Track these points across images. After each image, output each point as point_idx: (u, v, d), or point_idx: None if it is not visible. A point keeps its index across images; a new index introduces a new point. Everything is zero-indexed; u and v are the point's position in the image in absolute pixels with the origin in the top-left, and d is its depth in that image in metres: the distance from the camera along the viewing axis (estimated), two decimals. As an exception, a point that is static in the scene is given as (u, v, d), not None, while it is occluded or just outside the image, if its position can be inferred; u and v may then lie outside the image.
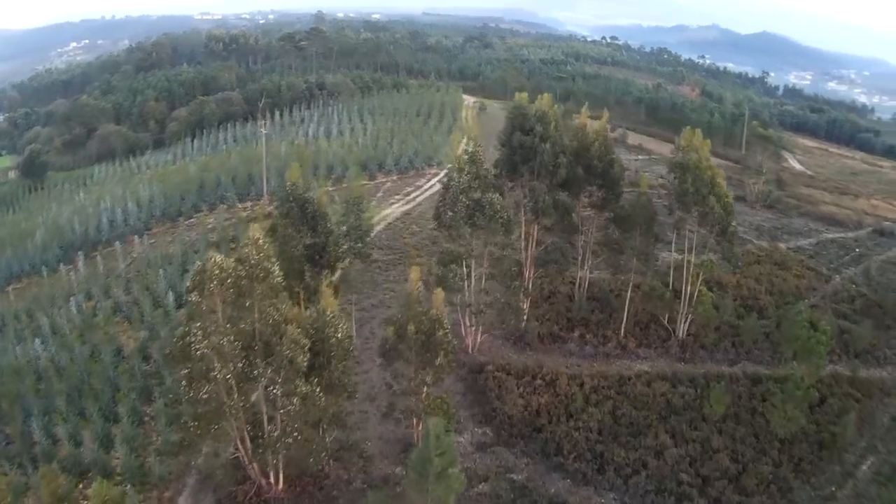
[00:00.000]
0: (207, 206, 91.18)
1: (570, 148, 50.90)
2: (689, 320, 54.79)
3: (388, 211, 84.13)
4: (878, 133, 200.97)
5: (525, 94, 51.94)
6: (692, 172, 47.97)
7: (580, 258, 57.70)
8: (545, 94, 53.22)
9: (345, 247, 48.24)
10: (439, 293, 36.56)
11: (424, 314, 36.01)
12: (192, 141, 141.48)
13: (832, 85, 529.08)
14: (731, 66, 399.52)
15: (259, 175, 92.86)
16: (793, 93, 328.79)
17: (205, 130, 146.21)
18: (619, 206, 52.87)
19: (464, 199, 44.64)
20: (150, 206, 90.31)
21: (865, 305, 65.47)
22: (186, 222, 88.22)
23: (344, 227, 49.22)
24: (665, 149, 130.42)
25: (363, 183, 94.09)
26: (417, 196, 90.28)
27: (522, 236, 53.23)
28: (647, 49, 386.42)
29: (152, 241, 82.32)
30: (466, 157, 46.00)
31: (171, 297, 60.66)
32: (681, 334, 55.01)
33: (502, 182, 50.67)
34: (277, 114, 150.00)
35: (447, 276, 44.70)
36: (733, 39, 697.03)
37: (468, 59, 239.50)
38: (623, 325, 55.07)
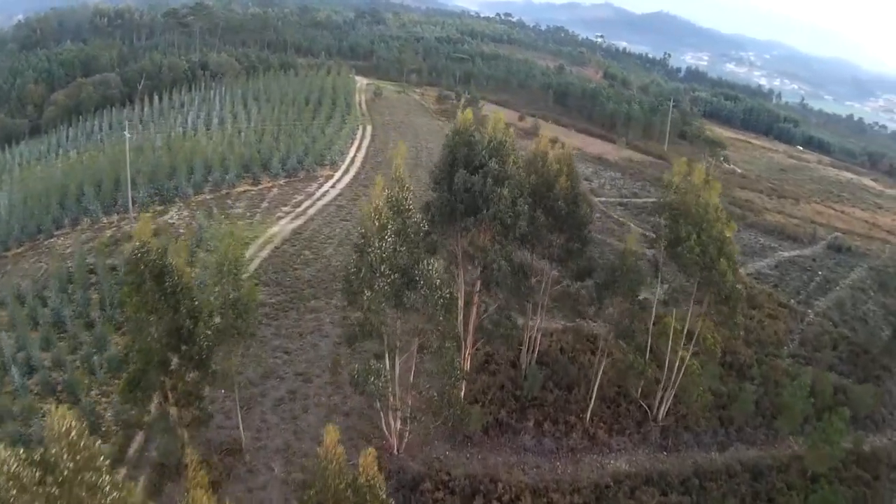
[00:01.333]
0: (70, 220, 74.66)
1: (527, 186, 37.10)
2: (670, 399, 43.05)
3: (274, 230, 68.90)
4: (796, 123, 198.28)
5: (469, 114, 37.86)
6: (693, 223, 35.60)
7: (527, 312, 44.95)
8: (499, 115, 39.51)
9: (219, 321, 33.90)
10: (370, 455, 22.97)
11: (349, 486, 22.55)
12: (69, 129, 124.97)
13: (730, 67, 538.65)
14: (627, 46, 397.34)
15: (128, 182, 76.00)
16: (696, 75, 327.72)
17: (81, 116, 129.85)
18: (587, 258, 40.13)
19: (387, 271, 30.79)
20: (9, 220, 75.64)
21: (852, 353, 56.75)
22: (46, 242, 71.87)
23: (218, 300, 34.55)
24: (595, 147, 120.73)
25: (245, 189, 79.12)
26: (309, 208, 75.40)
27: (461, 302, 39.58)
28: (543, 27, 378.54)
29: (6, 268, 67.27)
30: (388, 206, 31.75)
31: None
32: (660, 415, 43.31)
33: (435, 237, 36.81)
34: (157, 98, 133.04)
35: (366, 380, 31.13)
36: (627, 18, 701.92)
37: (360, 36, 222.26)
38: (590, 407, 42.75)
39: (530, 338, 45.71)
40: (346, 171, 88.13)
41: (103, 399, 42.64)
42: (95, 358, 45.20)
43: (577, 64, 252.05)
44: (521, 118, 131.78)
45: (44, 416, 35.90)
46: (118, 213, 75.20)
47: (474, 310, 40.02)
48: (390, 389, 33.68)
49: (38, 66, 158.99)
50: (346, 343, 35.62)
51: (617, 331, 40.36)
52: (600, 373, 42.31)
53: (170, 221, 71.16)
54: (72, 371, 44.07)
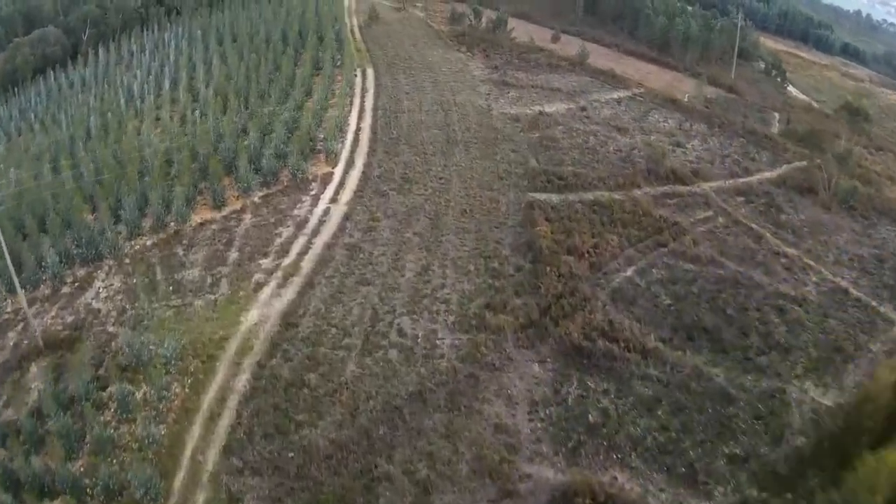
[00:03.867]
0: None
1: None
2: None
3: (251, 318, 40.50)
4: (831, 29, 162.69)
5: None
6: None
7: None
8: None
9: None
10: None
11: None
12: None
13: None
14: None
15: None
16: None
17: (17, 87, 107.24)
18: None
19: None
20: None
21: None
22: None
23: None
24: (657, 79, 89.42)
25: (203, 219, 51.25)
26: (302, 255, 46.49)
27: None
28: None
29: None
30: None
31: None
32: None
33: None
34: (102, 50, 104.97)
35: None
36: None
37: None
38: None
39: None
40: (351, 164, 58.70)
41: None
42: None
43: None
44: (554, 39, 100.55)
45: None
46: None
47: None
48: None
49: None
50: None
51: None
52: None
53: (94, 306, 43.98)
54: None
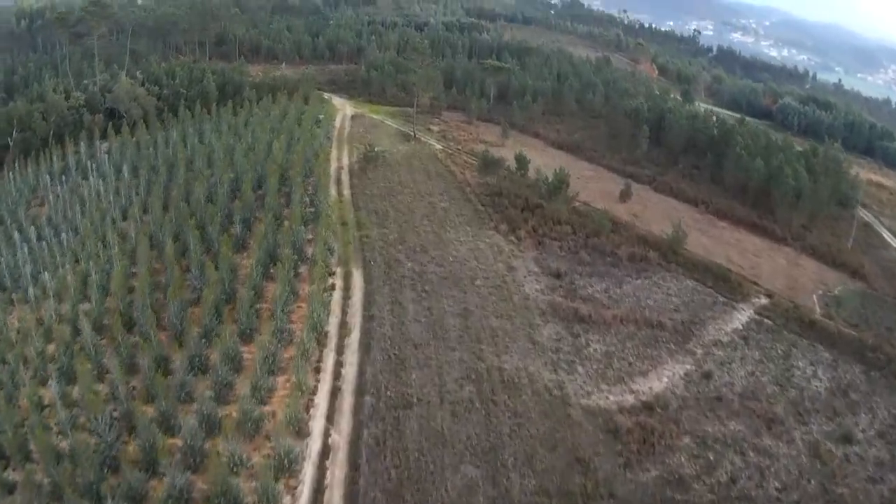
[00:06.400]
0: None
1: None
2: None
3: None
4: (892, 137, 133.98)
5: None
6: None
7: None
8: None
9: None
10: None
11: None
12: None
13: (737, 36, 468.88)
14: (638, 18, 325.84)
15: None
16: (727, 56, 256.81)
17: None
18: None
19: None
20: None
21: None
22: None
23: None
24: (767, 263, 61.03)
25: None
26: None
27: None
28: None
29: None
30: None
31: None
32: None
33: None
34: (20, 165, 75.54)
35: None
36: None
37: (343, 25, 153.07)
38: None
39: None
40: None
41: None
42: None
43: (617, 50, 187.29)
44: (624, 196, 70.31)
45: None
46: None
47: None
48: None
49: None
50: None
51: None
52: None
53: None
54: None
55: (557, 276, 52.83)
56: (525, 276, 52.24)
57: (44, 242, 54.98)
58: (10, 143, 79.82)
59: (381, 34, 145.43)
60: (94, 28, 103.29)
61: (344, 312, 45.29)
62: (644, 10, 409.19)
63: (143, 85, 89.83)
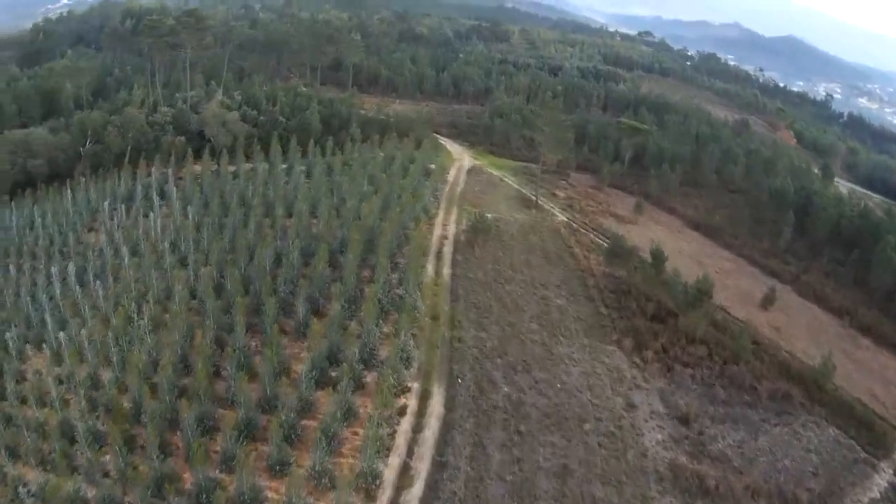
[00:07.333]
0: None
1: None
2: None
3: None
4: None
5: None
6: None
7: None
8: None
9: None
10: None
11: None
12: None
13: (863, 102, 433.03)
14: (769, 75, 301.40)
15: None
16: (858, 124, 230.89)
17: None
18: None
19: None
20: None
21: None
22: None
23: None
24: None
25: None
26: None
27: None
28: (690, 51, 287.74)
29: None
30: None
31: None
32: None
33: None
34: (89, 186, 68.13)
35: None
36: (754, 40, 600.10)
37: (472, 59, 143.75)
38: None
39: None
40: None
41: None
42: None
43: (752, 111, 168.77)
44: (767, 302, 55.89)
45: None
46: None
47: None
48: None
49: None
50: None
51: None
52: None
53: None
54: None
55: (685, 421, 39.16)
56: (646, 420, 38.66)
57: (78, 287, 45.76)
58: (82, 154, 73.10)
59: (511, 75, 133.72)
60: (186, 40, 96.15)
61: (410, 450, 33.21)
62: (774, 68, 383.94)
63: (239, 108, 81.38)
